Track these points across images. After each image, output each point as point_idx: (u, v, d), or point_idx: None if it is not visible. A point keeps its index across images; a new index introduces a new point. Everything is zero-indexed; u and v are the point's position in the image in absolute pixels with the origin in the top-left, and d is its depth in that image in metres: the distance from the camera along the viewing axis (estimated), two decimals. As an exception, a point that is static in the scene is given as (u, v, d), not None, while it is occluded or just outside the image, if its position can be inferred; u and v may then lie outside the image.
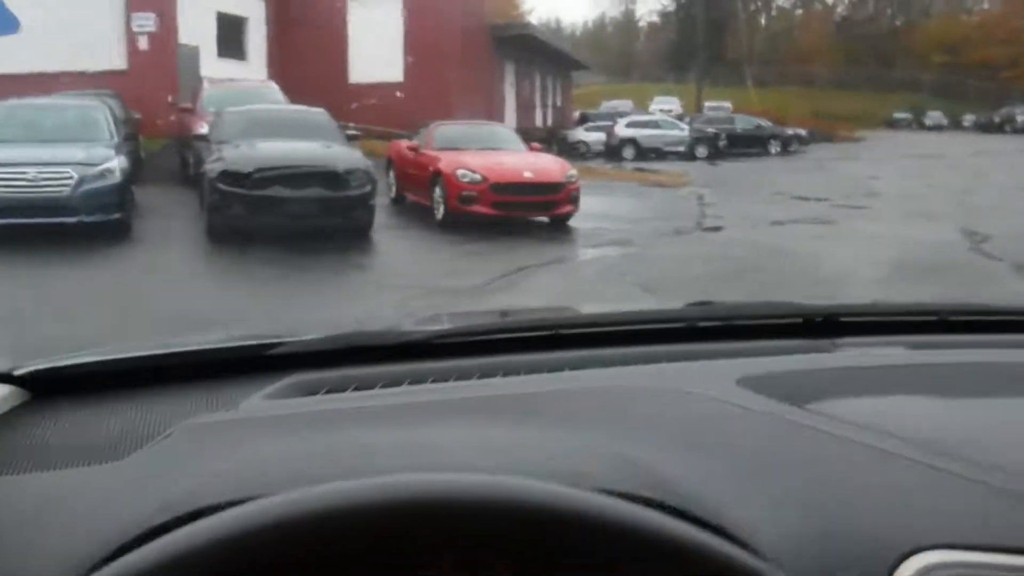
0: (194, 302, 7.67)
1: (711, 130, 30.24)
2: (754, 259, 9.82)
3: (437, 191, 11.44)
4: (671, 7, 69.31)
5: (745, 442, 0.93)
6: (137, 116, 16.27)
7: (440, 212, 11.37)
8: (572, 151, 25.47)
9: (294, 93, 16.33)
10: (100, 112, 11.50)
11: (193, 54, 20.61)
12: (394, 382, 1.15)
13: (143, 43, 19.91)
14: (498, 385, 1.14)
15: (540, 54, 33.33)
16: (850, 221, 13.31)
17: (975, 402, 1.13)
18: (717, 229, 12.34)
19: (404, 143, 13.28)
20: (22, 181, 9.40)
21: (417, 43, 23.45)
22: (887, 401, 1.11)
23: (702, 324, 1.45)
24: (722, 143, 29.23)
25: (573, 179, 11.78)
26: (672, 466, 0.84)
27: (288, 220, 9.51)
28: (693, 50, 46.37)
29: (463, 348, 1.32)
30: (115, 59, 19.91)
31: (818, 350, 1.31)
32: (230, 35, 22.42)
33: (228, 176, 9.55)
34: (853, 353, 1.30)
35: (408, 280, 8.41)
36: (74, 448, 0.99)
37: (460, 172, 11.16)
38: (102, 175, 9.77)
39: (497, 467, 0.77)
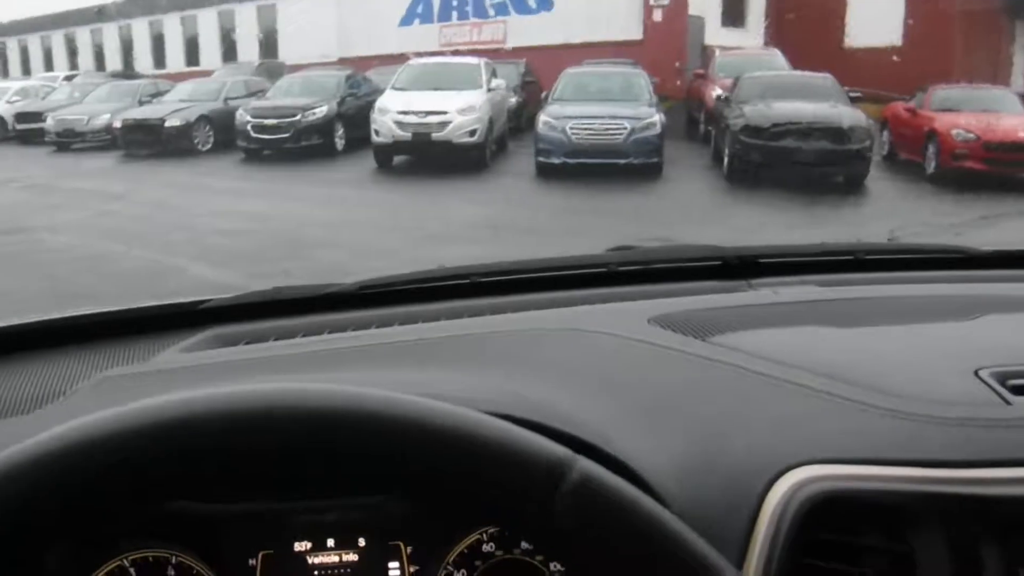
0: (715, 216, 10.61)
1: None
2: None
3: (930, 148, 13.16)
4: None
5: (645, 377, 1.00)
6: (654, 80, 19.77)
7: (932, 167, 13.09)
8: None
9: (789, 58, 18.57)
10: (641, 77, 15.03)
11: (699, 24, 23.82)
12: (314, 332, 1.22)
13: (657, 15, 23.57)
14: (416, 331, 1.19)
15: (1061, 10, 31.55)
16: None
17: (873, 332, 1.18)
18: None
19: (900, 105, 15.03)
20: (591, 131, 13.02)
21: (919, 6, 24.20)
22: (790, 334, 1.16)
23: (622, 268, 1.49)
24: None
25: (1076, 138, 12.72)
26: (572, 403, 0.90)
27: (796, 167, 11.98)
28: None
29: (385, 298, 1.38)
30: (632, 30, 23.82)
31: (732, 290, 1.37)
32: (733, 5, 25.33)
33: (749, 130, 12.30)
34: (766, 292, 1.35)
35: (896, 217, 10.44)
36: None
37: (955, 132, 12.75)
38: (647, 127, 13.10)
39: None
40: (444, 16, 27.91)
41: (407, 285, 1.43)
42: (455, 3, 27.58)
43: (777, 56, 18.32)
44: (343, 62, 25.36)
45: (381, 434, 0.58)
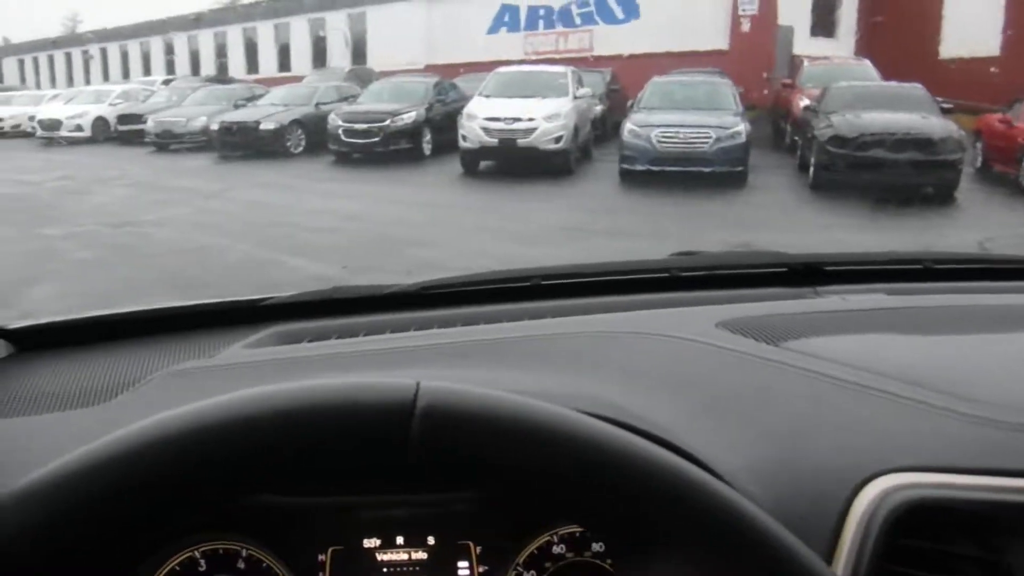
0: (799, 225, 10.70)
1: None
2: None
3: (1026, 161, 13.01)
4: None
5: (716, 379, 1.00)
6: (740, 90, 19.82)
7: (1025, 179, 12.95)
8: None
9: (881, 69, 18.40)
10: (727, 87, 15.16)
11: (788, 33, 23.75)
12: (376, 331, 1.23)
13: (745, 25, 23.60)
14: (479, 332, 1.19)
15: None
16: None
17: (950, 340, 1.18)
18: None
19: (995, 116, 14.86)
20: (676, 139, 13.20)
21: (1019, 15, 23.72)
22: (864, 340, 1.16)
23: (685, 274, 1.49)
24: None
25: None
26: (640, 402, 0.90)
27: (884, 178, 11.95)
28: None
29: (446, 299, 1.40)
30: (718, 40, 23.88)
31: (799, 296, 1.38)
32: (823, 14, 25.22)
33: (836, 140, 12.33)
34: (833, 299, 1.36)
35: (987, 228, 10.38)
36: (53, 396, 1.07)
37: (1052, 144, 12.62)
38: (732, 136, 13.22)
39: None
40: (531, 25, 28.34)
41: (468, 286, 1.44)
42: (542, 12, 27.99)
43: (867, 66, 18.23)
44: (430, 69, 25.92)
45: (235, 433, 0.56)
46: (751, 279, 1.50)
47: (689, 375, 1.02)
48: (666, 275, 1.49)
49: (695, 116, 13.54)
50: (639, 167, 13.29)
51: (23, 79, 46.59)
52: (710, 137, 13.10)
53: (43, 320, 1.30)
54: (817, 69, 17.99)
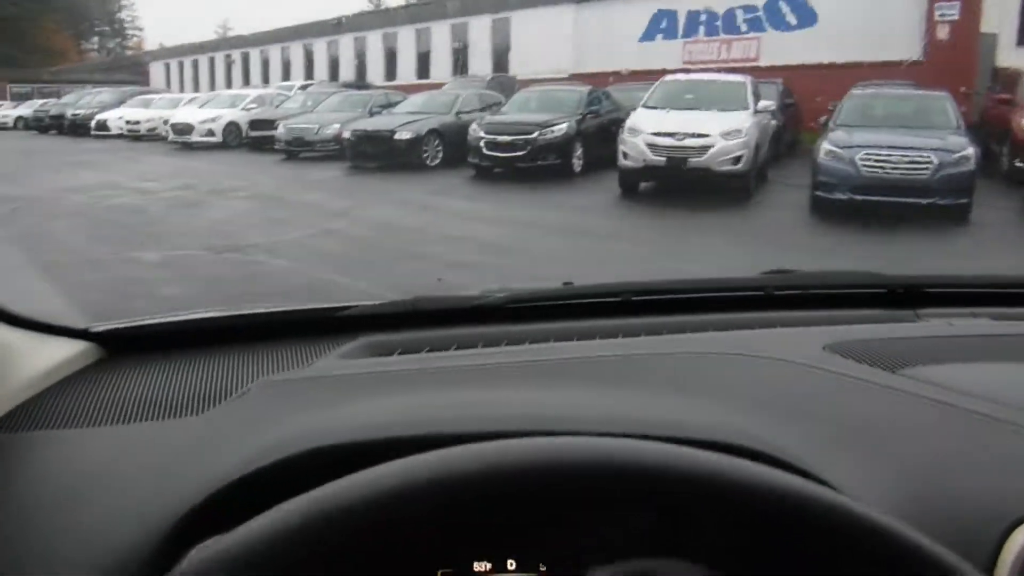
0: None
1: None
2: None
3: None
4: None
5: (838, 407, 0.96)
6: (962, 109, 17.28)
7: None
8: None
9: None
10: (946, 101, 12.74)
11: (990, 42, 20.94)
12: (468, 345, 1.20)
13: (943, 32, 20.88)
14: (574, 349, 1.17)
15: None
16: None
17: None
18: None
19: None
20: (888, 163, 10.93)
21: None
22: (977, 369, 1.11)
23: (779, 293, 1.47)
24: None
25: None
26: (769, 430, 0.87)
27: None
28: None
29: (531, 313, 1.37)
30: (910, 49, 21.25)
31: (902, 319, 1.35)
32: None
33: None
34: (937, 323, 1.33)
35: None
36: (149, 403, 1.05)
37: None
38: (958, 161, 10.88)
39: (601, 428, 0.78)
40: (690, 32, 26.22)
41: (557, 300, 1.41)
42: (703, 18, 25.83)
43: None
44: (575, 78, 24.18)
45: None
46: (848, 299, 1.46)
47: (807, 402, 0.97)
48: (760, 293, 1.47)
49: (910, 137, 11.23)
50: (838, 195, 11.07)
51: (168, 83, 47.24)
52: (931, 162, 10.79)
53: (130, 323, 1.26)
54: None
